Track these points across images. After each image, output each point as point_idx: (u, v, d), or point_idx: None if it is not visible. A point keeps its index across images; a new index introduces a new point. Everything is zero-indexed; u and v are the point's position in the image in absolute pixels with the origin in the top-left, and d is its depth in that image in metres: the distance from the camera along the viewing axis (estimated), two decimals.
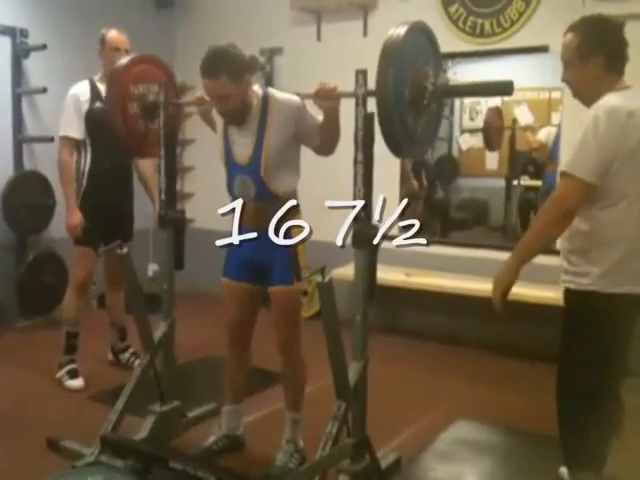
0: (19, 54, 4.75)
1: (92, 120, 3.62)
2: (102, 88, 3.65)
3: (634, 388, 2.58)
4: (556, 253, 4.16)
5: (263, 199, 2.63)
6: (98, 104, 3.63)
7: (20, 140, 4.81)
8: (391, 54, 2.16)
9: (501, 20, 4.38)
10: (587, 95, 2.25)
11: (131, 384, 2.84)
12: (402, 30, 2.21)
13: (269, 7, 5.33)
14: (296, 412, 2.84)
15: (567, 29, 2.28)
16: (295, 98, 2.59)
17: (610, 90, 2.18)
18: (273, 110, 2.58)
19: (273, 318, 2.76)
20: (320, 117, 2.54)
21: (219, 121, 2.74)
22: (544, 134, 6.02)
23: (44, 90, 4.60)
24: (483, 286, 4.26)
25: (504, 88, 2.28)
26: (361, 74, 2.32)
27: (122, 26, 5.39)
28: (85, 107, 3.62)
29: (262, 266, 2.70)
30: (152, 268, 5.56)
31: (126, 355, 4.04)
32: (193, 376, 3.99)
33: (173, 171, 3.01)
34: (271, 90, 2.67)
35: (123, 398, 2.78)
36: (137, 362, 4.00)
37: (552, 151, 5.55)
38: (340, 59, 4.89)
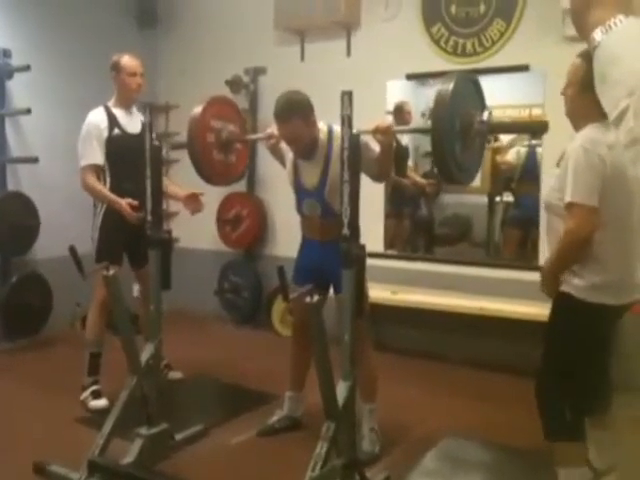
0: (2, 75, 4.74)
1: (112, 147, 3.72)
2: (118, 114, 3.77)
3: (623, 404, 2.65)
4: (539, 270, 4.19)
5: (327, 216, 3.02)
6: (117, 131, 3.74)
7: (3, 161, 4.80)
8: (445, 98, 2.44)
9: (482, 40, 4.44)
10: (576, 119, 2.47)
11: (118, 407, 2.81)
12: (453, 80, 2.48)
13: (253, 27, 5.36)
14: (372, 403, 3.17)
15: (580, 54, 2.45)
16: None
17: (595, 121, 2.36)
18: (338, 144, 2.83)
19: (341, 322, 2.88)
20: (377, 149, 2.83)
21: (288, 153, 3.15)
22: (512, 154, 6.03)
23: (28, 111, 4.59)
24: (467, 303, 4.31)
25: (540, 126, 2.72)
26: (347, 95, 2.36)
27: (105, 46, 5.40)
28: (105, 134, 3.71)
29: (326, 274, 2.98)
30: (136, 288, 5.53)
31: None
32: (179, 396, 3.96)
33: (159, 192, 3.02)
34: (335, 127, 2.95)
35: (110, 421, 2.75)
36: (171, 374, 4.11)
37: (524, 171, 5.58)
38: (324, 79, 4.93)
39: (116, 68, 3.78)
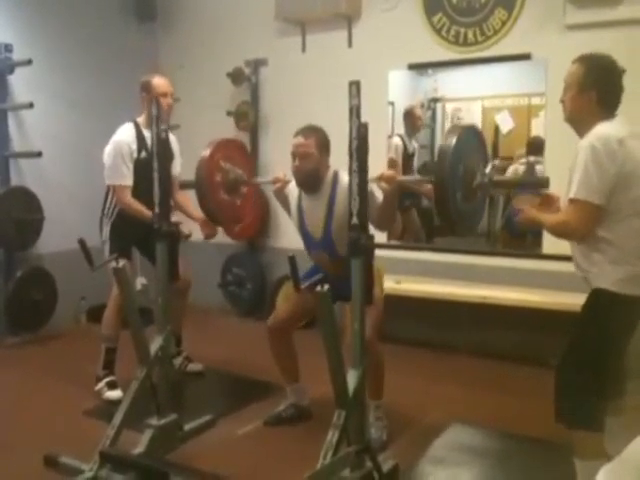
0: (4, 69, 4.73)
1: (138, 169, 3.70)
2: (148, 135, 3.70)
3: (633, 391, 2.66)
4: (542, 258, 4.23)
5: (336, 258, 3.06)
6: (144, 154, 3.72)
7: (6, 156, 4.79)
8: (449, 150, 2.54)
9: (484, 29, 4.44)
10: (578, 122, 2.48)
11: (128, 398, 2.82)
12: (458, 131, 2.61)
13: (253, 19, 5.36)
14: (378, 399, 3.21)
15: (576, 59, 2.49)
16: None
17: (600, 121, 2.39)
18: (342, 189, 2.96)
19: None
20: (381, 197, 2.90)
21: (292, 196, 3.20)
22: (511, 173, 6.00)
23: (31, 105, 4.58)
24: (471, 292, 4.32)
25: (541, 182, 2.82)
26: (354, 85, 2.35)
27: (105, 39, 5.41)
28: (135, 155, 3.72)
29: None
30: (140, 281, 5.52)
31: (179, 359, 4.13)
32: (185, 387, 3.98)
33: (167, 185, 3.02)
34: (341, 172, 3.03)
35: (121, 412, 2.75)
36: (190, 365, 4.15)
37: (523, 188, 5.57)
38: (325, 70, 4.95)
39: (146, 89, 3.76)
